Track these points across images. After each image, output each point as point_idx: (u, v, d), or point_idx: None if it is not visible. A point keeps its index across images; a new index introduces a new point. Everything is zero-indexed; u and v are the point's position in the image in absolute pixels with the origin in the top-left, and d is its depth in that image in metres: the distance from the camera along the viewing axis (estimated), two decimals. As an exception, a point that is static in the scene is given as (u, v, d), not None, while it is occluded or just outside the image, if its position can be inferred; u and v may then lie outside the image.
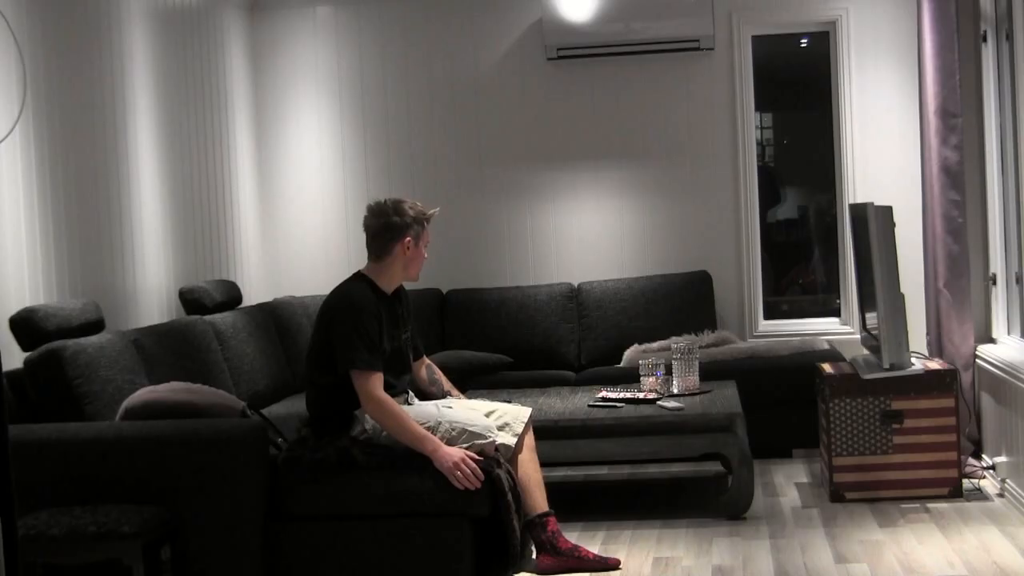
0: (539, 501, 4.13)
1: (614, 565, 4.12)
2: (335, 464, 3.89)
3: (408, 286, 6.50)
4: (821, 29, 6.54)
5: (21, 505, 3.15)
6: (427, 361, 4.43)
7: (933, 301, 5.66)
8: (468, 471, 3.82)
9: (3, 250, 4.15)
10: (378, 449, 3.96)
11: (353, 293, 4.04)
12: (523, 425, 4.14)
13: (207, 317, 5.18)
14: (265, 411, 4.89)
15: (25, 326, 3.96)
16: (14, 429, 3.55)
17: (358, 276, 4.14)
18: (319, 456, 3.90)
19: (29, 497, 3.59)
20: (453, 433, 4.00)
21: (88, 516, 3.49)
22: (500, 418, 4.13)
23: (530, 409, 4.26)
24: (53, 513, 3.53)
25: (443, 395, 4.35)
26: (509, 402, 5.01)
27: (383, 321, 4.03)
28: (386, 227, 4.11)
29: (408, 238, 4.10)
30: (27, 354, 3.96)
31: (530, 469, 4.15)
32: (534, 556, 4.15)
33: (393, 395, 4.03)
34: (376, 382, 3.92)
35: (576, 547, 4.11)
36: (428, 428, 3.98)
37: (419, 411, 4.07)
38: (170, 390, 3.94)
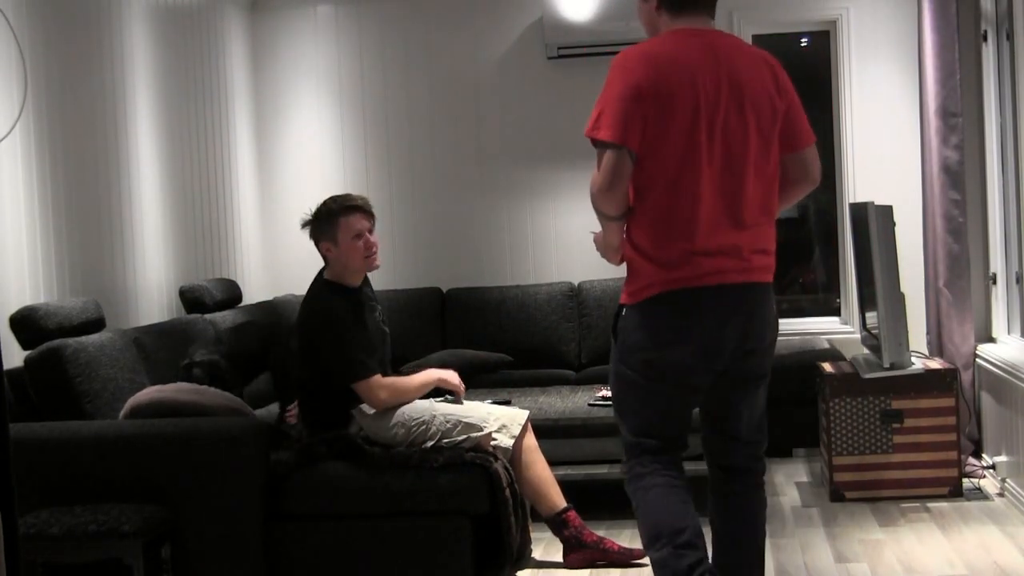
0: (555, 499, 4.14)
1: (639, 556, 4.11)
2: (341, 454, 3.90)
3: (407, 284, 6.55)
4: (821, 28, 6.55)
5: (21, 504, 3.15)
6: None
7: (933, 300, 5.66)
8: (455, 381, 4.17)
9: (3, 249, 4.15)
10: (376, 447, 3.96)
11: (321, 307, 4.03)
12: (520, 427, 4.13)
13: (207, 316, 5.19)
14: (265, 409, 4.90)
15: (25, 325, 3.96)
16: (15, 428, 3.55)
17: (321, 282, 4.12)
18: (323, 448, 3.92)
19: (29, 496, 3.60)
20: (448, 425, 4.00)
21: (88, 515, 3.49)
22: (497, 420, 4.13)
23: (527, 412, 4.25)
24: (53, 512, 3.53)
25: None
26: (509, 401, 5.02)
27: (360, 314, 4.04)
28: (309, 234, 4.12)
29: (323, 242, 4.06)
30: (27, 353, 3.96)
31: (539, 469, 4.15)
32: (561, 554, 4.16)
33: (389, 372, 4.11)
34: (376, 384, 3.96)
35: (601, 539, 4.12)
36: (423, 422, 3.99)
37: (412, 406, 4.08)
38: (177, 390, 3.94)
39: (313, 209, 4.11)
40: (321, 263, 4.16)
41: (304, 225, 4.11)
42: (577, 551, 4.09)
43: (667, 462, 3.04)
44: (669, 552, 2.89)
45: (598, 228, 3.13)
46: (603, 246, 3.13)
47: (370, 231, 4.07)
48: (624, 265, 3.07)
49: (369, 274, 4.19)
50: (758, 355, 3.00)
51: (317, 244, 4.08)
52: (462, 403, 4.16)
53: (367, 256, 4.06)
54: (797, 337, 6.31)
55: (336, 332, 3.95)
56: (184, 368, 4.31)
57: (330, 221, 4.03)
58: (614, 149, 2.87)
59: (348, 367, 3.93)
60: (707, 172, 2.88)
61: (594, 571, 4.08)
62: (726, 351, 2.92)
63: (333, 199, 4.09)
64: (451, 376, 4.21)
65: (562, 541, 4.13)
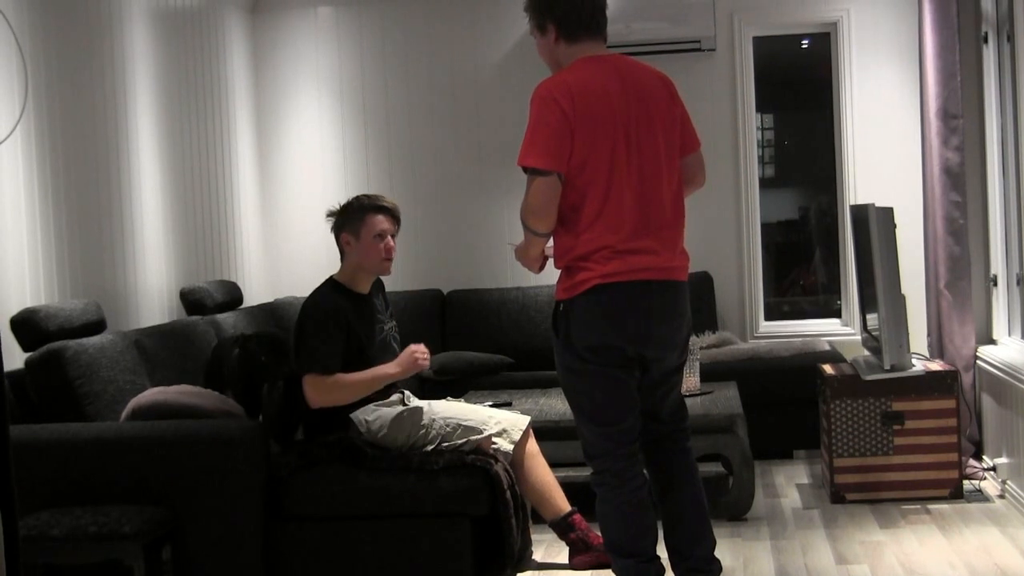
0: (560, 503, 4.13)
1: None
2: (341, 457, 3.90)
3: (408, 285, 6.55)
4: (822, 30, 6.55)
5: (22, 505, 3.15)
6: None
7: (934, 302, 5.66)
8: (422, 349, 4.00)
9: (4, 250, 4.15)
10: (377, 450, 3.96)
11: (313, 301, 4.03)
12: (521, 433, 4.13)
13: (208, 317, 5.19)
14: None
15: (26, 326, 3.96)
16: (15, 429, 3.55)
17: (328, 281, 4.13)
18: (323, 451, 3.91)
19: (30, 497, 3.60)
20: (448, 429, 3.99)
21: (88, 516, 3.49)
22: (498, 423, 4.12)
23: (528, 417, 4.24)
24: (54, 513, 3.53)
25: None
26: (510, 403, 5.02)
27: (357, 321, 4.02)
28: (332, 225, 4.14)
29: (344, 233, 4.09)
30: (28, 354, 3.96)
31: (542, 473, 4.15)
32: (563, 556, 4.16)
33: (389, 392, 4.06)
34: (320, 382, 3.90)
35: None
36: (422, 426, 3.98)
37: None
38: (179, 392, 3.94)
39: (342, 202, 4.16)
40: (328, 268, 4.16)
41: (330, 215, 4.14)
42: (584, 553, 4.09)
43: (627, 459, 3.35)
44: (634, 565, 3.35)
45: (516, 241, 3.41)
46: (525, 257, 3.44)
47: (392, 236, 4.10)
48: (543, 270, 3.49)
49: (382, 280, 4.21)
50: (677, 346, 3.40)
51: (338, 235, 4.11)
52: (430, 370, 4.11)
53: (384, 259, 4.08)
54: (798, 339, 6.30)
55: (315, 321, 3.95)
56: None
57: (358, 215, 4.07)
58: (546, 176, 3.21)
59: (304, 356, 3.92)
60: (629, 183, 3.25)
61: (597, 573, 4.08)
62: (652, 340, 3.30)
63: (367, 196, 4.15)
64: (414, 353, 4.02)
65: (568, 544, 4.13)
